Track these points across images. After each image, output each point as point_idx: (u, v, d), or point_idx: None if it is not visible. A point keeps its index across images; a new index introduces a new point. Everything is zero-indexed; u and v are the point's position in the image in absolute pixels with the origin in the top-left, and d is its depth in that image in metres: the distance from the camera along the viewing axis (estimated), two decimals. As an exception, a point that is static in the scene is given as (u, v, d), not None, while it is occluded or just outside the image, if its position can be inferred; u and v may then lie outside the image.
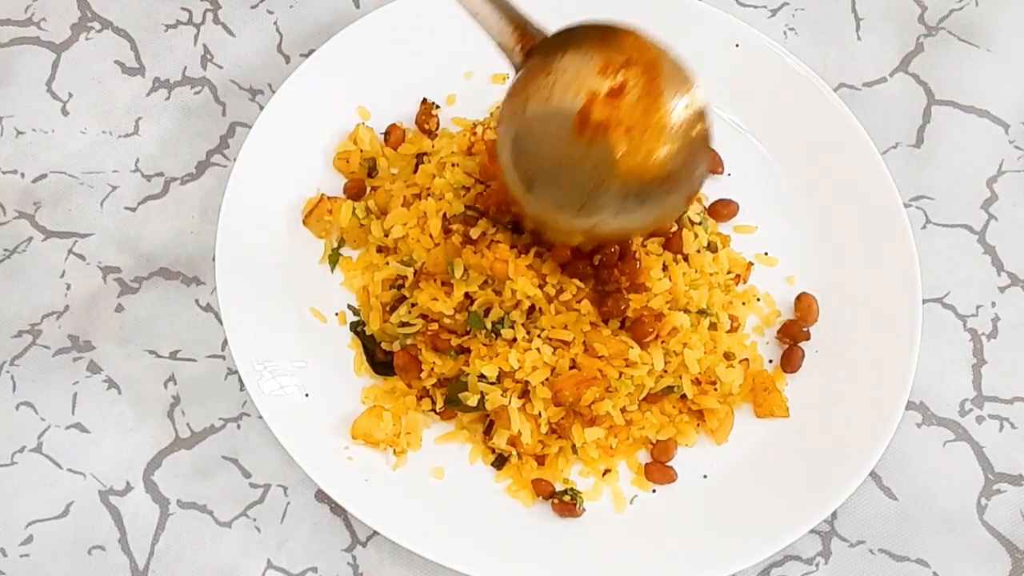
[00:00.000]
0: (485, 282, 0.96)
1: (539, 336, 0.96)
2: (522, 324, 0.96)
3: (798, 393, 1.02)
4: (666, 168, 0.88)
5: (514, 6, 0.90)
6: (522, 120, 0.89)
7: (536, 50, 0.89)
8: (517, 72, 0.90)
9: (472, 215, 0.98)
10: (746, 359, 1.03)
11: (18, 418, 1.00)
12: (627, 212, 0.89)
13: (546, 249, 0.97)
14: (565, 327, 0.96)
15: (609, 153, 0.88)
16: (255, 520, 0.98)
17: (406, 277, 0.99)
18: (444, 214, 0.98)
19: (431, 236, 0.99)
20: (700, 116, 0.88)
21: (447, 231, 0.98)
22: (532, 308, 0.96)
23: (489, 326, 0.96)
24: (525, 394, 0.97)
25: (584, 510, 0.97)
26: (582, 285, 0.96)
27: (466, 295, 0.97)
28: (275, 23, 1.17)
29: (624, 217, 0.89)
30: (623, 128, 0.88)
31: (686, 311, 0.98)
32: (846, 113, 1.08)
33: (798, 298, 1.06)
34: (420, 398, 1.00)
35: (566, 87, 0.89)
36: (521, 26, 0.90)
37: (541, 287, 0.96)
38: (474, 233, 0.97)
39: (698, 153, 0.89)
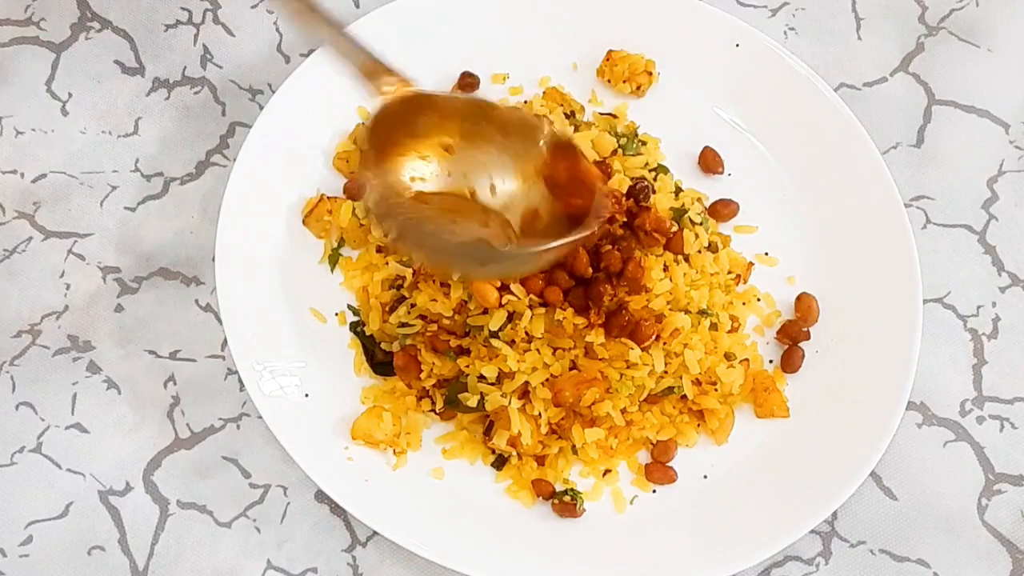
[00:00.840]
0: (484, 283, 0.97)
1: (539, 338, 0.96)
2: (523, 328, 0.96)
3: (798, 393, 1.02)
4: (542, 224, 0.92)
5: (376, 55, 0.91)
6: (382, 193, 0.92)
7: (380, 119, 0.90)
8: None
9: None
10: (746, 359, 1.02)
11: (18, 418, 1.00)
12: (524, 261, 0.92)
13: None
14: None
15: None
16: (255, 520, 0.98)
17: (404, 277, 0.99)
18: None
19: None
20: (543, 158, 0.91)
21: (441, 232, 0.98)
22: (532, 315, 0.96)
23: (487, 333, 0.96)
24: (525, 395, 0.97)
25: (584, 510, 0.97)
26: (584, 320, 0.95)
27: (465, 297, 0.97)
28: (275, 23, 1.16)
29: (527, 264, 0.92)
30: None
31: (687, 312, 0.98)
32: (846, 113, 1.08)
33: (798, 298, 1.05)
34: (420, 398, 1.00)
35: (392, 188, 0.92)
36: (380, 74, 0.91)
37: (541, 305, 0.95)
38: None
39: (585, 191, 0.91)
